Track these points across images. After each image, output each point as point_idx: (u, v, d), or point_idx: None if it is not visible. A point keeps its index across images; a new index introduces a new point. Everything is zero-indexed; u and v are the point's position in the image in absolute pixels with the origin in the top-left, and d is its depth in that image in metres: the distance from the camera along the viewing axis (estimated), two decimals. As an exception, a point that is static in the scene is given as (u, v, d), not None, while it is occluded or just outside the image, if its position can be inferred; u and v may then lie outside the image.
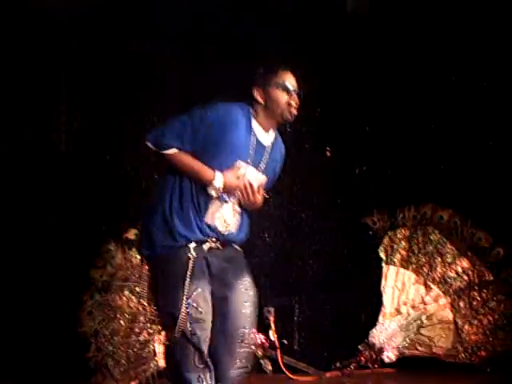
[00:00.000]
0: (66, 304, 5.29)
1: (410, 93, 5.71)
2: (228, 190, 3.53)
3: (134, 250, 5.21)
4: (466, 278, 5.44)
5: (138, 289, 5.18)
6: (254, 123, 3.56)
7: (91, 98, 5.50)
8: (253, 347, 3.74)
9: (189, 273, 3.50)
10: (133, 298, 5.18)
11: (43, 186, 5.43)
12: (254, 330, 3.71)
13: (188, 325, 3.50)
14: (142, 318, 5.16)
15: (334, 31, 5.69)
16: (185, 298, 3.49)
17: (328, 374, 5.36)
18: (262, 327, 5.07)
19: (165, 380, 5.23)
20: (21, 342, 5.33)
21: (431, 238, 5.50)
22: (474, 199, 5.55)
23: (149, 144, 3.57)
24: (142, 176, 5.47)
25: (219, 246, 3.61)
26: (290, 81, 3.53)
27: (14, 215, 5.39)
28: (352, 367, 5.37)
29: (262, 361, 5.17)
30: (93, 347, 5.08)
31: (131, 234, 5.26)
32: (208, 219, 3.56)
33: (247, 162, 3.55)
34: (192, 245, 3.53)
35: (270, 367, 5.19)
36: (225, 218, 3.59)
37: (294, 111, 3.54)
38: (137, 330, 5.14)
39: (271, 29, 5.53)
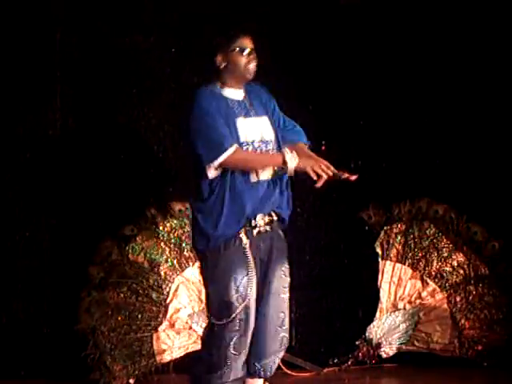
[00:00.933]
0: (63, 301, 5.29)
1: (404, 86, 5.68)
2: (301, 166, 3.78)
3: (130, 246, 5.22)
4: (462, 272, 5.44)
5: (135, 285, 5.18)
6: (225, 90, 3.84)
7: (87, 91, 5.47)
8: (287, 335, 3.93)
9: (246, 258, 3.73)
10: (130, 294, 5.17)
11: (39, 183, 5.40)
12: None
13: (238, 311, 3.72)
14: (139, 315, 5.16)
15: (327, 23, 5.67)
16: (237, 285, 3.71)
17: (325, 370, 5.36)
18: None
19: (162, 376, 5.26)
20: (18, 339, 5.32)
21: (427, 232, 5.49)
22: (469, 193, 5.55)
23: (211, 164, 3.71)
24: (138, 172, 5.45)
25: (267, 228, 3.80)
26: (246, 44, 3.82)
27: (9, 212, 5.37)
28: (349, 363, 5.38)
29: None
30: (91, 344, 5.08)
31: (127, 231, 5.25)
32: (254, 177, 3.76)
33: (240, 117, 3.80)
34: (243, 232, 3.74)
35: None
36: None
37: (254, 69, 3.83)
38: (134, 326, 5.14)
39: (260, 19, 5.51)
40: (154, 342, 5.15)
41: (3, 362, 5.32)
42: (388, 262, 5.46)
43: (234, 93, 3.86)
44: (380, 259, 5.46)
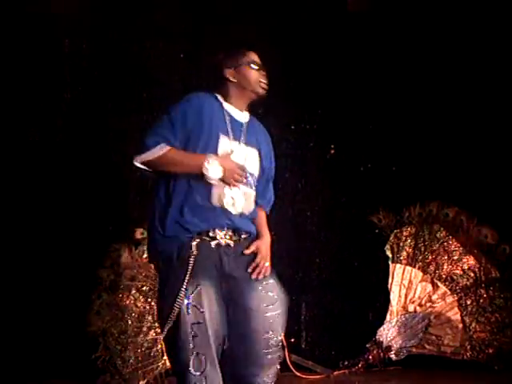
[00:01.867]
0: (74, 304, 5.29)
1: (413, 91, 5.70)
2: (227, 173, 3.46)
3: (140, 249, 5.23)
4: (472, 275, 5.43)
5: (145, 288, 5.18)
6: (226, 104, 3.63)
7: (95, 96, 5.49)
8: (280, 355, 3.60)
9: (189, 271, 3.37)
10: (140, 297, 5.17)
11: (51, 186, 5.42)
12: (282, 335, 3.56)
13: (188, 326, 3.35)
14: (149, 318, 5.16)
15: (336, 28, 5.68)
16: (183, 298, 3.36)
17: (336, 373, 5.35)
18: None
19: (173, 379, 5.26)
20: (29, 342, 5.33)
21: (437, 235, 5.49)
22: (479, 196, 5.54)
23: (137, 158, 3.50)
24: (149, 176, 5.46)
25: (231, 241, 3.49)
26: (256, 59, 3.68)
27: (21, 216, 5.39)
28: (360, 365, 5.37)
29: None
30: (101, 347, 5.08)
31: (138, 234, 5.25)
32: (215, 200, 3.48)
33: (228, 137, 3.56)
34: (194, 242, 3.43)
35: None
36: (234, 198, 3.53)
37: (265, 86, 3.67)
38: (145, 329, 5.14)
39: (271, 26, 5.52)
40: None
41: (14, 366, 5.34)
42: (398, 265, 5.46)
43: (235, 112, 3.65)
44: (390, 262, 5.46)
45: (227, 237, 3.51)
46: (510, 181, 5.59)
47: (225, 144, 3.54)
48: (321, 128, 5.80)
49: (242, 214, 3.54)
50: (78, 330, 5.13)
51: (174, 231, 3.45)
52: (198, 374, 3.37)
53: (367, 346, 5.38)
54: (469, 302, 5.39)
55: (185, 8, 5.60)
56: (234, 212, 3.51)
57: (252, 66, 3.65)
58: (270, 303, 3.52)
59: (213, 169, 3.44)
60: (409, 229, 5.51)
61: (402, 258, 5.46)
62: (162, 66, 5.57)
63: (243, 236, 3.55)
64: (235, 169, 3.48)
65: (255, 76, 3.65)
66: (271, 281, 3.57)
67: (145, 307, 5.17)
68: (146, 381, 5.15)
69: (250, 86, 3.65)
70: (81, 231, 5.41)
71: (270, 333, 3.50)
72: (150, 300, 5.17)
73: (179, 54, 5.60)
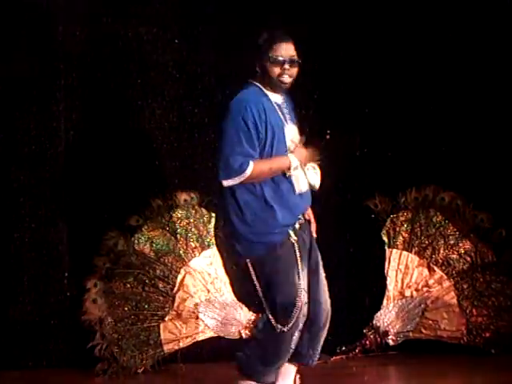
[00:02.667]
0: (70, 292, 5.30)
1: (409, 74, 5.67)
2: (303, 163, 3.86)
3: (136, 236, 5.23)
4: (468, 259, 5.42)
5: (141, 276, 5.18)
6: (268, 93, 3.84)
7: (90, 83, 5.47)
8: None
9: (298, 258, 3.79)
10: (136, 284, 5.18)
11: (45, 174, 5.42)
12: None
13: (304, 308, 3.77)
14: (146, 305, 5.17)
15: (332, 13, 5.65)
16: (299, 281, 3.75)
17: (333, 358, 5.35)
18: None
19: (170, 366, 5.27)
20: (25, 331, 5.34)
21: (433, 220, 5.48)
22: (475, 181, 5.53)
23: (228, 182, 3.76)
24: (143, 163, 5.45)
25: (302, 219, 3.92)
26: (283, 52, 3.78)
27: (15, 204, 5.38)
28: (357, 351, 5.38)
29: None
30: (98, 335, 5.10)
31: (133, 221, 5.26)
32: (298, 189, 3.85)
33: (285, 123, 3.85)
34: (290, 229, 3.80)
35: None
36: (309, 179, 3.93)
37: (287, 80, 3.82)
38: (141, 316, 5.16)
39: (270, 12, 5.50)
40: (161, 332, 5.16)
41: (11, 353, 5.34)
42: (395, 250, 5.45)
43: (276, 97, 3.87)
44: (387, 247, 5.45)
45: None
46: (506, 166, 5.58)
47: (288, 131, 3.86)
48: (316, 113, 5.78)
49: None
50: (74, 319, 5.15)
51: (280, 224, 3.80)
52: (293, 347, 3.82)
53: (364, 331, 5.37)
54: (465, 287, 5.38)
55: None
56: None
57: (275, 61, 3.76)
58: (325, 283, 3.99)
59: (295, 166, 3.81)
60: (405, 214, 5.49)
61: (398, 243, 5.45)
62: (157, 52, 5.54)
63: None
64: (307, 156, 3.90)
65: (276, 72, 3.77)
66: None
67: (141, 295, 5.18)
68: (143, 368, 5.17)
69: (271, 82, 3.80)
70: (76, 219, 5.40)
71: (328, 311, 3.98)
72: (146, 288, 5.18)
73: (174, 40, 5.56)
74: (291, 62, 3.80)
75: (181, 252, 5.26)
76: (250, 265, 3.80)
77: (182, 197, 5.31)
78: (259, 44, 3.82)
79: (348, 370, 5.19)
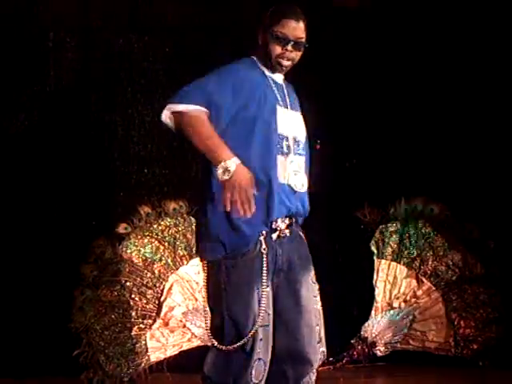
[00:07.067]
0: (56, 300, 5.27)
1: (398, 86, 5.69)
2: (232, 180, 3.01)
3: (124, 244, 5.20)
4: (457, 271, 5.43)
5: (128, 283, 5.16)
6: (265, 69, 3.29)
7: (80, 89, 5.47)
8: (324, 350, 3.36)
9: (264, 271, 3.12)
10: (124, 292, 5.15)
11: (32, 181, 5.39)
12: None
13: (259, 331, 3.11)
14: (133, 313, 5.14)
15: (322, 23, 5.66)
16: (258, 299, 3.11)
17: (320, 369, 5.31)
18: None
19: (156, 375, 5.25)
20: (11, 338, 5.30)
21: (422, 231, 5.48)
22: (464, 192, 5.55)
23: (166, 107, 3.12)
24: (132, 171, 5.44)
25: (287, 232, 3.20)
26: (289, 31, 3.22)
27: (2, 212, 5.35)
28: (344, 361, 5.37)
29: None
30: (84, 343, 5.06)
31: (121, 229, 5.24)
32: (280, 177, 3.19)
33: (280, 105, 3.24)
34: (262, 237, 3.13)
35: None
36: (299, 171, 3.26)
37: (285, 63, 3.25)
38: (128, 324, 5.12)
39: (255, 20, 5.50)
40: (148, 341, 5.13)
41: (-4, 361, 5.33)
42: (383, 261, 5.45)
43: (276, 76, 3.30)
44: (375, 258, 5.45)
45: (286, 224, 3.22)
46: (495, 178, 5.60)
47: (281, 114, 3.23)
48: (305, 123, 5.78)
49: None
50: (60, 326, 5.11)
51: (245, 227, 3.13)
52: (257, 381, 3.14)
53: (352, 342, 5.37)
54: (453, 298, 5.39)
55: (170, 1, 5.57)
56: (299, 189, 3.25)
57: (278, 38, 3.21)
58: (316, 294, 3.34)
59: (225, 168, 3.02)
60: (394, 225, 5.49)
61: (387, 253, 5.45)
62: (148, 60, 5.55)
63: (294, 221, 3.28)
64: (243, 185, 3.02)
65: (277, 50, 3.21)
66: (313, 270, 3.36)
67: (128, 303, 5.14)
68: (129, 377, 5.14)
69: (269, 59, 3.25)
70: (64, 226, 5.38)
71: (318, 327, 3.31)
72: (133, 296, 5.15)
73: (165, 48, 5.57)
74: (296, 45, 3.23)
75: (169, 260, 5.24)
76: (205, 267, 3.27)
77: (171, 205, 5.29)
78: (267, 15, 3.27)
79: (335, 380, 5.18)
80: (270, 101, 3.20)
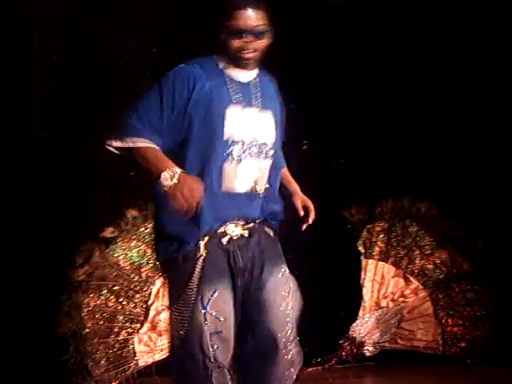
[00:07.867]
0: (43, 305, 5.25)
1: (386, 85, 5.69)
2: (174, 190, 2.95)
3: (111, 248, 5.19)
4: (444, 269, 5.45)
5: (116, 288, 5.14)
6: (226, 66, 3.18)
7: (66, 91, 5.44)
8: (297, 357, 3.27)
9: (196, 276, 3.08)
10: (111, 297, 5.13)
11: (18, 184, 5.37)
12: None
13: (207, 338, 3.03)
14: (120, 318, 5.12)
15: (307, 22, 5.66)
16: (203, 304, 3.05)
17: (309, 369, 5.35)
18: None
19: (145, 379, 5.24)
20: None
21: (409, 230, 5.50)
22: (451, 191, 5.56)
23: (110, 142, 3.26)
24: (119, 174, 5.42)
25: (244, 233, 3.18)
26: (243, 21, 3.08)
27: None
28: (333, 362, 5.37)
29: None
30: (71, 348, 5.04)
31: (108, 233, 5.22)
32: (226, 185, 3.14)
33: (235, 105, 3.14)
34: (202, 241, 3.09)
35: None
36: (250, 176, 3.20)
37: (248, 55, 3.12)
38: (116, 329, 5.10)
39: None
40: (136, 345, 5.11)
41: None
42: (371, 261, 5.46)
43: (240, 73, 3.17)
44: (363, 257, 5.45)
45: (242, 227, 3.19)
46: (482, 177, 5.61)
47: (233, 115, 3.12)
48: (292, 124, 5.77)
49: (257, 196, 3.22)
50: (47, 332, 5.10)
51: (183, 228, 3.10)
52: None
53: (340, 342, 5.37)
54: (441, 297, 5.40)
55: (158, 1, 5.55)
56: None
57: (232, 32, 3.10)
58: (287, 293, 3.27)
59: (166, 184, 2.98)
60: (381, 224, 5.50)
61: (374, 253, 5.46)
62: (134, 61, 5.53)
63: (260, 221, 3.26)
64: (190, 195, 2.94)
65: (235, 44, 3.10)
66: (286, 268, 3.34)
67: (116, 307, 5.13)
68: (118, 382, 5.12)
69: (231, 55, 3.15)
70: (50, 230, 5.36)
71: (287, 333, 3.21)
72: (121, 300, 5.13)
73: (151, 49, 5.55)
74: (255, 34, 3.08)
75: (156, 264, 5.23)
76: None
77: (158, 208, 5.28)
78: (220, 9, 3.14)
79: (324, 381, 5.19)
80: (218, 103, 3.12)
